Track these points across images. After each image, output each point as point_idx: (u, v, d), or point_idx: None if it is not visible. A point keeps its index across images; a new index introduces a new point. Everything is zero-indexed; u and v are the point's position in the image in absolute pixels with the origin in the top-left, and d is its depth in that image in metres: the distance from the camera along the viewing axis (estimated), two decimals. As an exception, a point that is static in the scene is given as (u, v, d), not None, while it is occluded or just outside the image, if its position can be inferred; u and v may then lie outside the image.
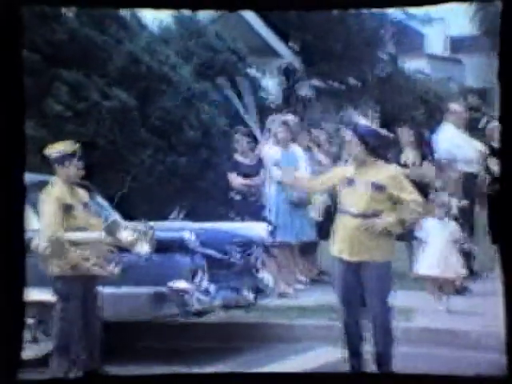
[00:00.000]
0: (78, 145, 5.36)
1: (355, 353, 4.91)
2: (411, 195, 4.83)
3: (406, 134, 8.11)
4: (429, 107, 12.02)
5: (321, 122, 9.98)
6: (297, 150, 7.97)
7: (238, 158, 8.14)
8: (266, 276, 6.51)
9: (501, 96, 3.98)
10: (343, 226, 4.88)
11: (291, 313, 6.77)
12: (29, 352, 5.66)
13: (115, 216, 5.55)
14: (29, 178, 6.49)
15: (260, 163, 7.95)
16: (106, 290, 5.51)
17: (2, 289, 3.39)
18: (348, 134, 5.19)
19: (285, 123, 8.03)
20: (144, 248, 5.35)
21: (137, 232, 5.27)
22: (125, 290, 5.69)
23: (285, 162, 7.72)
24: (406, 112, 11.59)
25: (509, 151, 4.24)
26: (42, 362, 5.38)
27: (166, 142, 9.76)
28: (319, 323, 6.51)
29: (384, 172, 4.88)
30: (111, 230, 5.23)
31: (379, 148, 4.93)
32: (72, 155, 5.29)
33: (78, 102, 8.90)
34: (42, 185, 5.58)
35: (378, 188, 4.79)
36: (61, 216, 5.17)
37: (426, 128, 9.03)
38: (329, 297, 7.11)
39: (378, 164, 4.91)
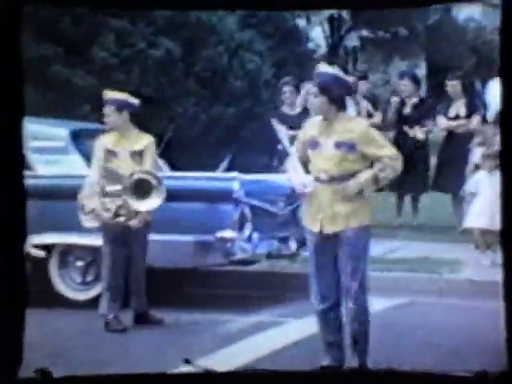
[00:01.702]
0: (127, 94, 5.46)
1: (333, 343, 4.33)
2: (385, 150, 4.24)
3: (455, 86, 7.94)
4: (481, 57, 11.61)
5: (368, 73, 9.79)
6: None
7: (285, 109, 8.08)
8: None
9: (502, 95, 3.72)
10: (314, 194, 4.27)
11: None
12: (79, 294, 5.92)
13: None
14: (77, 126, 6.65)
15: (304, 114, 7.88)
16: (151, 237, 5.62)
17: (2, 289, 3.44)
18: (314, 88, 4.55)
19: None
20: (152, 201, 5.25)
21: (142, 183, 5.20)
22: (170, 237, 5.78)
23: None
24: (456, 62, 11.22)
25: (509, 152, 3.95)
26: (92, 303, 5.53)
27: (211, 91, 9.74)
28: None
29: (352, 128, 4.26)
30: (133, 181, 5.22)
31: (343, 97, 4.31)
32: (125, 103, 5.39)
33: (123, 50, 8.91)
34: (89, 132, 5.67)
35: (348, 147, 4.21)
36: (100, 160, 5.27)
37: (477, 79, 8.80)
38: (376, 248, 7.15)
39: (343, 118, 4.29)
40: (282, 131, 4.62)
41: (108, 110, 5.40)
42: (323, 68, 4.37)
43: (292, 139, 7.60)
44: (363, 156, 4.24)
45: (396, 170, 4.27)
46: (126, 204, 5.25)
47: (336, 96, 4.25)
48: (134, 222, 5.32)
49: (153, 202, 5.23)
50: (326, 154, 4.24)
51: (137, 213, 5.29)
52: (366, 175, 4.22)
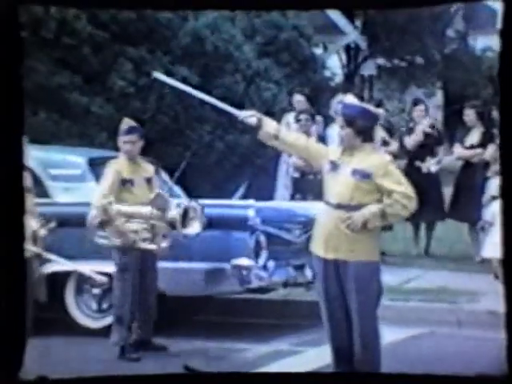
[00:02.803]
0: (127, 120, 5.56)
1: (342, 363, 4.28)
2: (400, 186, 4.18)
3: (472, 115, 7.92)
4: (497, 86, 11.56)
5: (384, 102, 9.81)
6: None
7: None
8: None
9: (501, 97, 3.70)
10: (322, 218, 4.28)
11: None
12: (95, 322, 5.90)
13: (162, 191, 5.63)
14: (94, 153, 6.69)
15: (320, 142, 7.88)
16: (166, 265, 5.63)
17: (3, 289, 3.43)
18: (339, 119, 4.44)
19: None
20: (195, 227, 5.41)
21: (188, 210, 5.36)
22: (183, 265, 5.77)
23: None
24: (473, 91, 11.21)
25: (509, 154, 3.90)
26: (107, 331, 5.52)
27: (227, 118, 9.77)
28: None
29: (372, 159, 4.23)
30: (157, 203, 5.35)
31: (369, 129, 4.29)
32: (124, 130, 5.47)
33: (140, 78, 8.99)
34: (106, 160, 5.71)
35: (364, 176, 4.16)
36: (115, 188, 5.36)
37: (494, 108, 8.77)
38: (388, 277, 7.10)
39: (366, 149, 4.25)
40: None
41: (133, 137, 5.48)
42: (349, 100, 4.38)
43: (304, 166, 7.66)
44: (377, 188, 4.18)
45: (407, 209, 4.19)
46: (151, 228, 5.33)
47: (362, 128, 4.23)
48: (154, 247, 5.35)
49: (195, 228, 5.38)
50: (341, 179, 4.22)
51: (156, 238, 5.34)
52: (373, 208, 4.16)
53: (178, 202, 5.50)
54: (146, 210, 5.40)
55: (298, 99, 8.33)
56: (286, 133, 4.50)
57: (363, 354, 4.19)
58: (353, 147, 4.25)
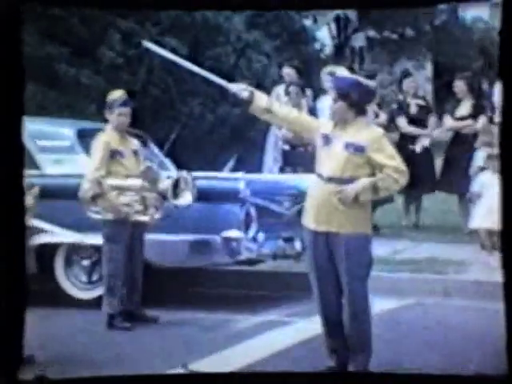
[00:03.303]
0: (121, 92, 5.54)
1: (332, 334, 4.29)
2: (392, 161, 4.17)
3: (462, 87, 7.92)
4: (488, 58, 11.53)
5: (375, 74, 9.77)
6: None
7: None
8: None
9: (502, 97, 3.67)
10: (314, 191, 4.28)
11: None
12: (85, 293, 5.93)
13: (152, 164, 5.65)
14: (83, 125, 6.67)
15: (310, 114, 7.86)
16: (155, 237, 5.65)
17: (2, 290, 3.43)
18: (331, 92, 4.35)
19: (332, 74, 7.89)
20: (186, 198, 5.45)
21: (179, 181, 5.40)
22: (175, 237, 5.80)
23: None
24: (463, 63, 11.17)
25: (509, 155, 3.89)
26: (98, 302, 5.56)
27: (217, 91, 9.73)
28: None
29: (365, 132, 4.21)
30: (147, 175, 5.37)
31: (362, 102, 4.25)
32: (115, 102, 5.46)
33: (130, 50, 8.93)
34: (95, 132, 5.70)
35: (357, 149, 4.14)
36: (105, 160, 5.38)
37: (485, 80, 8.76)
38: (378, 248, 7.14)
39: (359, 123, 4.24)
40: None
41: (128, 110, 5.47)
42: (341, 72, 4.43)
43: (295, 139, 7.67)
44: (369, 162, 4.17)
45: (398, 183, 4.19)
46: (143, 200, 5.36)
47: (355, 101, 4.19)
48: (147, 218, 5.39)
49: (187, 198, 5.40)
50: (334, 152, 4.20)
51: (148, 210, 5.38)
52: (365, 181, 4.16)
53: (168, 174, 5.51)
54: (137, 182, 5.43)
55: (288, 71, 8.29)
56: (278, 106, 4.45)
57: (353, 325, 4.22)
58: (345, 121, 4.22)
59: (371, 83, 4.57)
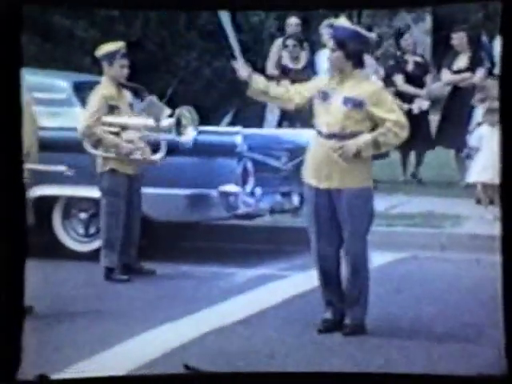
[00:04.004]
0: (121, 43, 5.47)
1: (333, 300, 4.31)
2: (392, 114, 4.13)
3: (460, 39, 7.84)
4: (488, 11, 11.38)
5: (372, 27, 9.68)
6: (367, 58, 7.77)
7: (288, 62, 8.00)
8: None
9: (501, 97, 3.62)
10: (314, 147, 4.24)
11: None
12: (82, 246, 5.97)
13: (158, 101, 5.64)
14: (79, 77, 6.61)
15: (307, 69, 7.80)
16: (152, 191, 5.67)
17: (2, 292, 3.44)
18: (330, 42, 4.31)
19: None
20: (189, 133, 5.44)
21: (181, 116, 5.39)
22: (172, 191, 5.81)
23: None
24: (463, 15, 11.02)
25: (509, 157, 3.85)
26: (95, 255, 5.58)
27: (214, 45, 9.63)
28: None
29: (364, 86, 4.16)
30: (151, 110, 5.36)
31: (360, 53, 4.19)
32: (116, 53, 5.43)
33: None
34: (91, 85, 5.65)
35: (356, 104, 4.09)
36: (101, 113, 5.37)
37: (484, 33, 8.66)
38: (375, 203, 7.16)
39: (357, 75, 4.17)
40: (228, 25, 4.51)
41: (124, 62, 5.43)
42: (340, 22, 4.26)
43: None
44: (369, 117, 4.14)
45: (399, 137, 4.16)
46: (144, 139, 5.41)
47: (353, 51, 4.14)
48: (150, 157, 5.42)
49: (190, 134, 5.44)
50: (332, 108, 4.15)
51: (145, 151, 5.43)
52: (365, 137, 4.13)
53: (170, 111, 5.49)
54: (141, 120, 5.44)
55: (292, 22, 8.14)
56: (275, 88, 4.41)
57: (353, 278, 4.25)
58: (343, 73, 4.15)
59: (370, 34, 4.57)
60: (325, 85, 4.22)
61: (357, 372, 3.70)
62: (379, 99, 4.15)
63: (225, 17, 4.40)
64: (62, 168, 5.16)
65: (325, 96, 4.17)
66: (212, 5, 4.30)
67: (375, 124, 4.18)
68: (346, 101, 4.11)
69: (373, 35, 4.50)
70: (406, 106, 8.03)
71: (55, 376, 3.59)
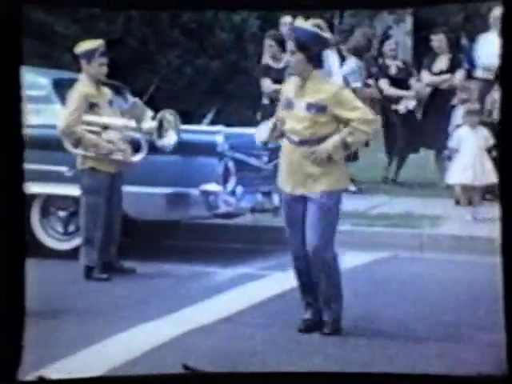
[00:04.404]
0: (100, 41, 5.44)
1: (311, 301, 4.30)
2: (355, 112, 4.10)
3: (440, 41, 7.90)
4: (469, 12, 11.42)
5: (354, 28, 9.70)
6: (330, 55, 7.80)
7: (269, 62, 8.01)
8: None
9: (501, 98, 3.64)
10: (286, 155, 4.23)
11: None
12: (61, 244, 5.93)
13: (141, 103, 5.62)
14: (59, 74, 6.57)
15: (288, 68, 7.81)
16: (133, 189, 5.65)
17: (2, 290, 3.42)
18: (290, 44, 4.24)
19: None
20: (171, 137, 5.44)
21: (163, 120, 5.39)
22: (152, 189, 5.80)
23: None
24: (443, 17, 11.08)
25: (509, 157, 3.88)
26: (74, 253, 5.56)
27: (196, 43, 9.63)
28: (343, 228, 6.55)
29: (324, 89, 4.13)
30: (134, 112, 5.36)
31: (319, 54, 4.18)
32: (95, 52, 5.42)
33: None
34: (71, 82, 5.62)
35: (319, 109, 4.09)
36: (81, 111, 5.35)
37: (464, 34, 8.73)
38: (353, 203, 7.20)
39: (317, 76, 4.15)
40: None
41: (103, 60, 5.42)
42: (301, 24, 4.21)
43: (275, 93, 7.62)
44: (335, 118, 4.14)
45: (367, 133, 4.17)
46: (125, 139, 5.40)
47: (313, 53, 4.12)
48: (130, 158, 5.43)
49: (172, 138, 5.43)
50: (298, 115, 4.14)
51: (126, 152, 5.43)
52: (334, 140, 4.13)
53: (152, 114, 5.49)
54: (122, 120, 5.44)
55: (286, 21, 8.12)
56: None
57: (325, 278, 4.24)
58: (304, 75, 4.14)
59: (329, 35, 4.48)
60: (289, 92, 4.20)
61: (357, 372, 3.71)
62: (340, 100, 4.13)
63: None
64: (62, 169, 5.16)
65: (289, 104, 4.19)
66: (216, 4, 4.29)
67: (341, 124, 4.18)
68: (309, 107, 4.12)
69: (330, 35, 4.42)
70: (393, 107, 8.12)
71: (33, 374, 3.56)
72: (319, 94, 4.12)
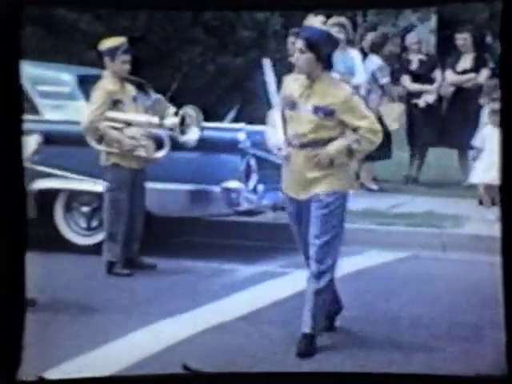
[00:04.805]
0: (123, 39, 5.47)
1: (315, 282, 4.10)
2: (364, 121, 3.98)
3: (465, 39, 7.84)
4: (494, 10, 11.34)
5: (377, 26, 9.68)
6: (354, 53, 7.79)
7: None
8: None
9: (502, 99, 3.58)
10: (289, 159, 4.07)
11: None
12: (84, 239, 5.98)
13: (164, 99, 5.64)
14: (83, 71, 6.62)
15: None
16: (155, 186, 5.67)
17: (2, 290, 3.44)
18: (297, 42, 4.04)
19: (340, 25, 7.82)
20: (193, 133, 5.45)
21: (186, 116, 5.39)
22: (174, 186, 5.82)
23: (341, 65, 7.64)
24: (468, 15, 11.00)
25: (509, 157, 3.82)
26: (97, 249, 5.60)
27: (218, 41, 9.62)
28: (366, 227, 6.55)
29: (333, 92, 3.98)
30: (156, 108, 5.37)
31: (330, 55, 4.01)
32: (118, 49, 5.44)
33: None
34: (95, 78, 5.66)
35: (327, 113, 3.95)
36: (105, 108, 5.38)
37: (489, 33, 8.66)
38: (374, 202, 7.18)
39: (326, 78, 4.00)
40: (271, 76, 4.15)
41: (126, 57, 5.44)
42: (312, 22, 4.02)
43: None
44: (341, 124, 4.01)
45: (374, 143, 4.03)
46: (147, 136, 5.41)
47: (324, 54, 3.94)
48: (153, 155, 5.43)
49: (194, 134, 5.40)
50: (303, 117, 3.99)
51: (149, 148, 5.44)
52: (338, 145, 3.99)
53: (175, 110, 5.50)
54: (145, 117, 5.46)
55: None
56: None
57: (317, 279, 4.12)
58: (311, 77, 3.98)
59: (338, 35, 4.28)
60: (293, 91, 4.03)
61: (357, 372, 3.70)
62: (350, 106, 3.99)
63: (267, 64, 4.19)
64: (86, 165, 5.21)
65: (293, 105, 4.03)
66: (216, 4, 4.25)
67: (347, 129, 4.03)
68: (317, 110, 3.98)
69: (341, 35, 4.17)
70: (414, 101, 8.09)
71: (55, 370, 3.59)
72: (328, 97, 3.97)
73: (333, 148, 4.00)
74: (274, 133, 4.10)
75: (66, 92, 6.13)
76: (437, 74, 8.18)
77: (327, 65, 4.02)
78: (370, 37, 8.25)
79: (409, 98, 8.17)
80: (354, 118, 3.99)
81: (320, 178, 4.03)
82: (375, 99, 7.81)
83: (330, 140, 4.01)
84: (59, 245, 5.94)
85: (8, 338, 3.44)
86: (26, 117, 4.82)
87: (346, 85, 4.24)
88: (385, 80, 7.87)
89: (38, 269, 4.47)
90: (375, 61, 7.86)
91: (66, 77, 6.23)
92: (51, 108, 6.07)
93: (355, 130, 4.01)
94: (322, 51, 3.96)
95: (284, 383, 3.62)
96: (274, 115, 4.07)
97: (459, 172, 7.98)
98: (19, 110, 3.61)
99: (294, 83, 4.08)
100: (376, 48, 7.99)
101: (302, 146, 4.02)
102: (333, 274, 4.15)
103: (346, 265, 5.72)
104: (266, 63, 4.22)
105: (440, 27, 13.32)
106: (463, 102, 7.85)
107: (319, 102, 3.97)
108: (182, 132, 5.47)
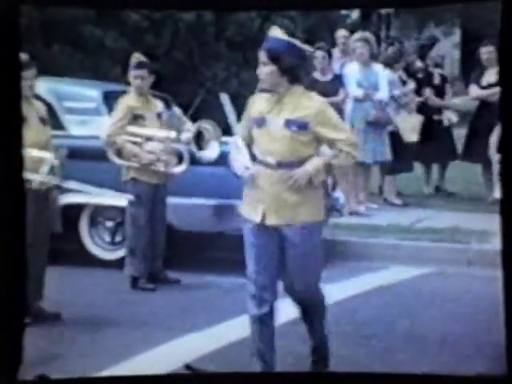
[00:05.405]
0: (135, 55, 5.56)
1: (265, 350, 3.81)
2: (341, 134, 3.65)
3: (489, 53, 7.80)
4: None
5: (402, 40, 9.66)
6: (378, 68, 7.79)
7: (316, 75, 8.01)
8: (339, 195, 6.43)
9: (501, 99, 3.51)
10: (259, 181, 3.66)
11: (363, 231, 6.78)
12: (108, 254, 6.01)
13: (181, 114, 5.65)
14: (109, 87, 6.68)
15: (336, 81, 7.81)
16: (179, 201, 5.68)
17: (3, 290, 3.46)
18: (260, 53, 3.72)
19: (363, 40, 7.83)
20: (213, 149, 5.41)
21: (203, 130, 5.39)
22: (195, 200, 5.83)
23: (365, 80, 7.66)
24: (492, 30, 10.97)
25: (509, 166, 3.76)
26: (121, 263, 5.62)
27: (241, 56, 9.69)
28: (390, 242, 6.51)
29: (305, 104, 3.62)
30: (171, 122, 5.38)
31: (296, 68, 3.63)
32: (139, 65, 5.48)
33: (155, 13, 8.90)
34: (120, 94, 5.71)
35: (300, 126, 3.59)
36: (124, 122, 5.43)
37: (513, 47, 8.60)
38: (400, 217, 7.13)
39: (296, 92, 3.64)
40: (228, 105, 3.87)
41: (143, 72, 5.49)
42: (274, 33, 3.74)
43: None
44: (316, 138, 3.65)
45: (353, 157, 3.70)
46: (167, 151, 5.41)
47: (288, 66, 3.60)
48: (173, 169, 5.45)
49: (214, 150, 5.34)
50: (273, 133, 3.63)
51: (168, 163, 5.45)
52: (316, 162, 3.63)
53: (192, 125, 5.50)
54: (163, 132, 5.47)
55: (340, 34, 8.25)
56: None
57: (308, 324, 4.00)
58: (279, 91, 3.64)
59: (307, 47, 3.89)
60: (261, 107, 3.69)
61: (357, 372, 3.65)
62: (325, 118, 3.65)
63: (224, 98, 3.94)
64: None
65: (261, 121, 3.67)
66: (216, 5, 4.23)
67: (322, 144, 3.73)
68: (289, 123, 3.62)
69: (310, 48, 3.90)
70: (436, 117, 8.11)
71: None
72: (300, 110, 3.63)
73: (310, 165, 3.63)
74: (239, 154, 3.73)
75: (92, 108, 6.19)
76: (447, 88, 8.25)
77: (295, 77, 3.65)
78: (388, 51, 8.28)
79: (427, 110, 8.17)
80: (329, 130, 3.65)
81: (295, 204, 3.64)
82: (391, 111, 7.84)
83: (306, 160, 3.64)
84: (84, 259, 5.98)
85: (8, 338, 3.45)
86: (53, 132, 4.93)
87: (319, 96, 3.81)
88: (396, 92, 7.89)
89: (62, 283, 4.52)
90: (388, 75, 7.89)
91: (92, 93, 6.30)
92: (77, 123, 6.13)
93: (331, 143, 3.68)
94: (286, 63, 3.62)
95: (284, 383, 3.59)
96: (237, 141, 3.72)
97: (484, 187, 7.92)
98: (19, 110, 3.64)
99: (260, 101, 3.74)
100: (390, 62, 8.02)
101: (277, 165, 3.64)
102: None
103: (370, 280, 5.70)
104: (224, 97, 3.96)
105: (464, 41, 13.29)
106: (487, 117, 7.79)
107: (291, 114, 3.63)
108: (200, 147, 5.44)
